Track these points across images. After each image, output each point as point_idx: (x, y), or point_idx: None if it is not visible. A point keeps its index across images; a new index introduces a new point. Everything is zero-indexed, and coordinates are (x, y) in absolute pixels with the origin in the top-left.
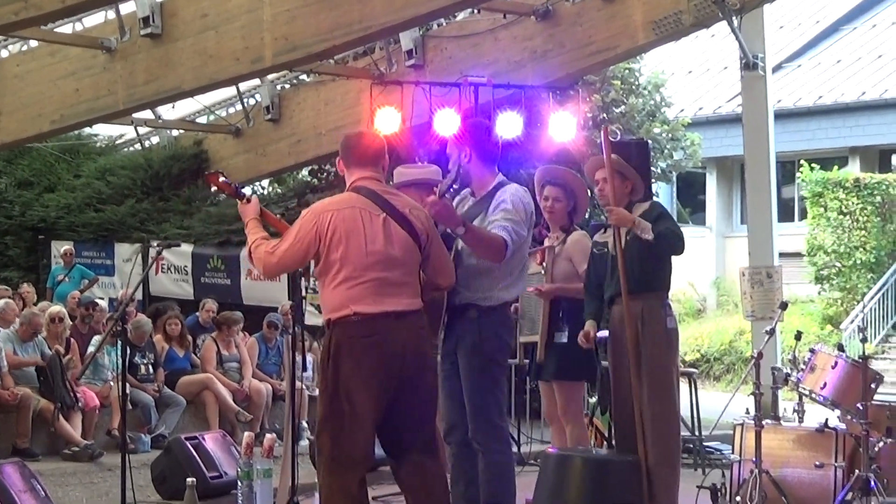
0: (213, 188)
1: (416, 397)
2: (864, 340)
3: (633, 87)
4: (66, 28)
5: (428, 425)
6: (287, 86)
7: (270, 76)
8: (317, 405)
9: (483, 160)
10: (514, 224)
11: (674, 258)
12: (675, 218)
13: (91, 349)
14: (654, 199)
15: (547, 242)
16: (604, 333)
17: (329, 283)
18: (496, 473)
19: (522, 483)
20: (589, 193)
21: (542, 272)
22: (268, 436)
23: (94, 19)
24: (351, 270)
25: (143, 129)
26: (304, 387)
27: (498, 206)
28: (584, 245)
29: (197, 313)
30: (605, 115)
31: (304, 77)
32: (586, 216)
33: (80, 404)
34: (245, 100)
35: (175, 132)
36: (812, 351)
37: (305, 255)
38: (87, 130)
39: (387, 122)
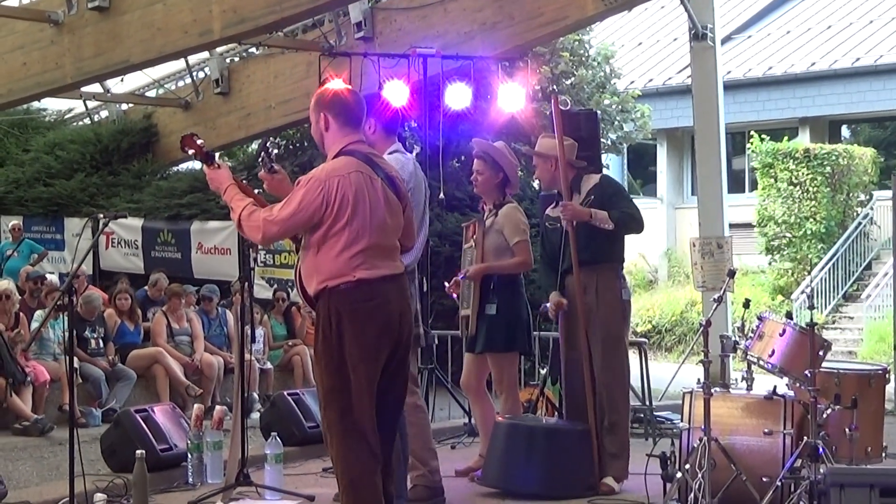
0: (189, 150)
1: (403, 363)
2: (811, 308)
3: (583, 58)
4: (12, 1)
5: (405, 390)
6: (236, 59)
7: (219, 49)
8: (318, 378)
9: (386, 130)
10: None
11: None
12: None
13: (35, 324)
14: (605, 170)
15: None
16: None
17: (328, 250)
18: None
19: (459, 455)
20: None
21: (473, 245)
22: (217, 408)
23: None
24: (355, 237)
25: (91, 104)
26: (253, 359)
27: None
28: (514, 217)
29: (146, 287)
30: (554, 86)
31: (253, 50)
32: (537, 188)
33: (30, 379)
34: (194, 73)
35: (124, 106)
36: (760, 318)
37: (309, 221)
38: (35, 105)
39: None
